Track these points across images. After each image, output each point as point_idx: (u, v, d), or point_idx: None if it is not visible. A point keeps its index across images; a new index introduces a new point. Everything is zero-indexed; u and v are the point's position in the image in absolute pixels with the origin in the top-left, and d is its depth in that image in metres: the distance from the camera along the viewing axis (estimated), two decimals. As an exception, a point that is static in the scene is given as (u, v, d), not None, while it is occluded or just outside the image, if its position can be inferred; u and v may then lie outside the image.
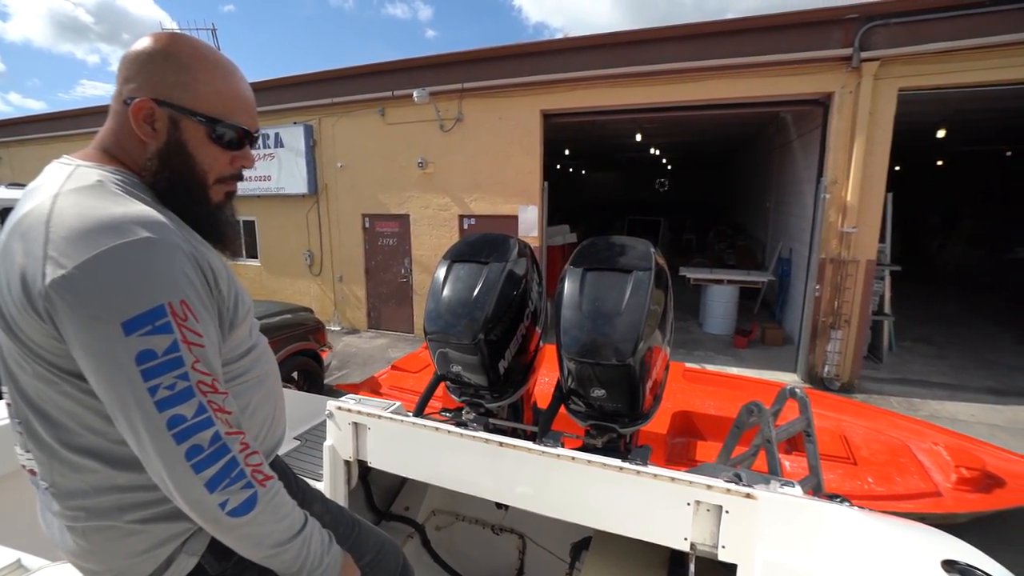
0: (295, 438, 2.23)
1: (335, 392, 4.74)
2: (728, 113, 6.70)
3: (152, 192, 0.86)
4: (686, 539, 1.31)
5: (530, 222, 7.11)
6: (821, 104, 5.79)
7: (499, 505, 2.11)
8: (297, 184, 8.92)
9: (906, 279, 7.06)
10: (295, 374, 5.15)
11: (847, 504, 1.24)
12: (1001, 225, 13.77)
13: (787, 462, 3.28)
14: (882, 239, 5.64)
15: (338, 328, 9.08)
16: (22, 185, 8.74)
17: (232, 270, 0.93)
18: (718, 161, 18.75)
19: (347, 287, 9.10)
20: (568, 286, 1.84)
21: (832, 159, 5.51)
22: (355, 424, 1.75)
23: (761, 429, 2.04)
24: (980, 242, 13.81)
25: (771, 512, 1.21)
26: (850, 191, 5.35)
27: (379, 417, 1.68)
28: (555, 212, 9.05)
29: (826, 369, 5.74)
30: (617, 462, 1.37)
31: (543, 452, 1.45)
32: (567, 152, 14.73)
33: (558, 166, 17.89)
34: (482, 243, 2.20)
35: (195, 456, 0.70)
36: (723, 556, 1.26)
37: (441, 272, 2.11)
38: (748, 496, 1.22)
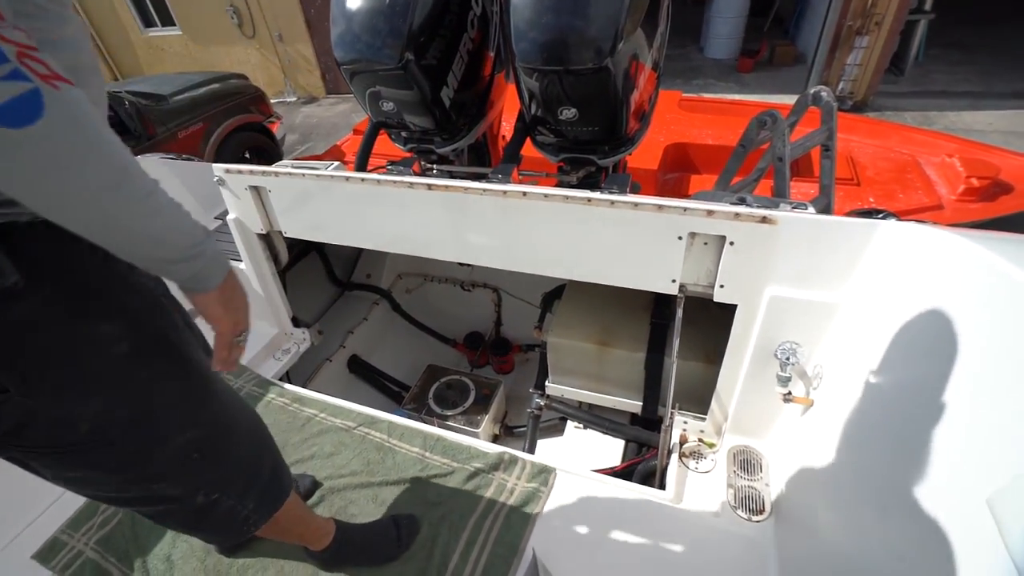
0: (216, 218, 1.89)
1: (294, 167, 4.29)
2: None
3: None
4: (674, 280, 1.04)
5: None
6: None
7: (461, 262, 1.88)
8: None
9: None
10: (246, 154, 4.60)
11: (893, 219, 0.92)
12: None
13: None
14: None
15: (294, 99, 8.06)
16: None
17: None
18: None
19: (290, 47, 7.73)
20: (519, -40, 1.25)
21: None
22: (255, 188, 1.36)
23: (773, 144, 1.66)
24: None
25: (793, 239, 0.90)
26: None
27: (276, 175, 1.28)
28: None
29: (840, 86, 5.10)
30: (584, 193, 1.02)
31: (486, 191, 1.09)
32: None
33: None
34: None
35: None
36: (720, 296, 1.01)
37: (344, -29, 1.46)
38: (764, 220, 0.89)
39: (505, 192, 1.06)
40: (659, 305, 1.42)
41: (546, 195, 1.03)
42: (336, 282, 2.15)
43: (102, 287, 0.66)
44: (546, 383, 1.51)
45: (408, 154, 1.75)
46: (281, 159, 5.15)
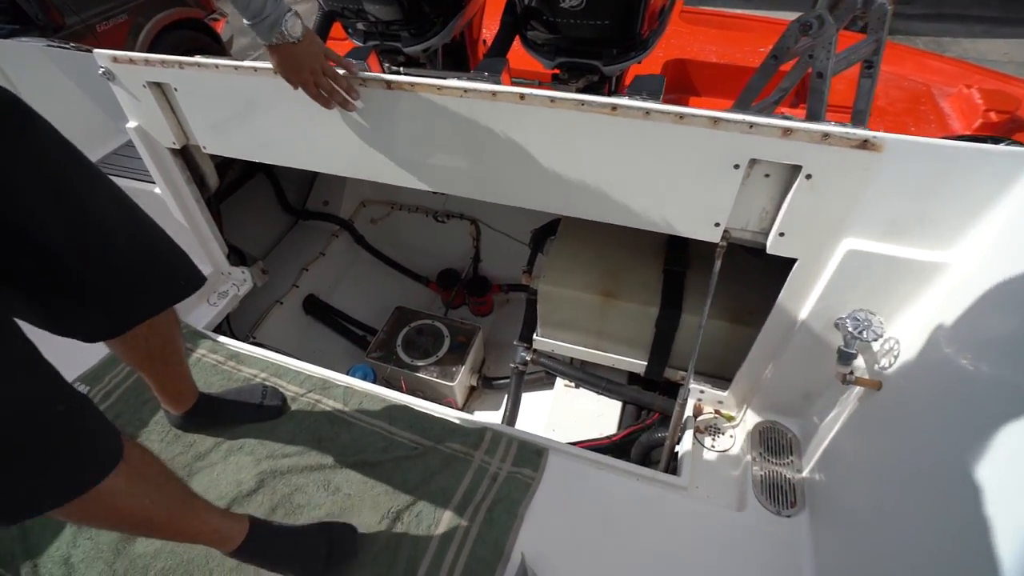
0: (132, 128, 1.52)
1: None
2: None
3: None
4: (718, 224, 0.79)
5: None
6: None
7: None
8: None
9: None
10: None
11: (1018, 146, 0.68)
12: None
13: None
14: None
15: (245, -5, 7.09)
16: None
17: None
18: None
19: (238, -70, 6.68)
20: None
21: None
22: (157, 87, 1.02)
23: (815, 56, 1.37)
24: None
25: (901, 175, 0.65)
26: None
27: (182, 66, 0.94)
28: None
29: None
30: (605, 100, 0.73)
31: (468, 91, 0.79)
32: None
33: None
34: None
35: None
36: (776, 247, 0.77)
37: None
38: (866, 145, 0.63)
39: (495, 94, 0.77)
40: (673, 249, 1.19)
41: (552, 99, 0.74)
42: (287, 210, 1.83)
43: None
44: (534, 336, 1.29)
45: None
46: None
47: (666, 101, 2.56)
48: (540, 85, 1.28)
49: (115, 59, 0.99)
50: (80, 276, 0.75)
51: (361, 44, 1.41)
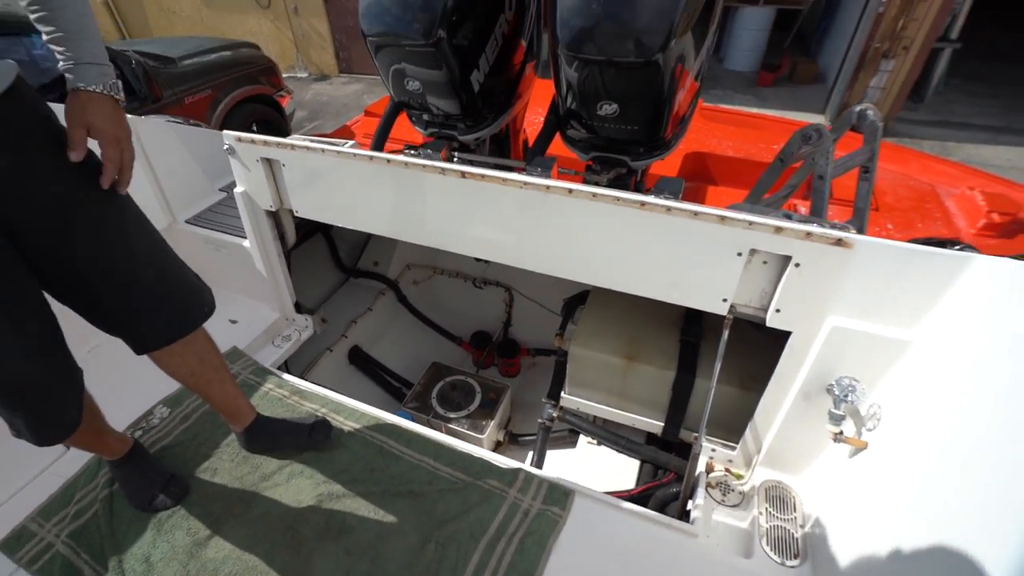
0: (221, 190, 1.78)
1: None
2: None
3: None
4: (725, 300, 0.95)
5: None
6: None
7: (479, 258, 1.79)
8: None
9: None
10: (253, 126, 4.46)
11: (970, 250, 0.84)
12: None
13: (802, 208, 3.00)
14: (988, -74, 4.27)
15: (305, 75, 7.89)
16: None
17: None
18: None
19: (305, 21, 7.56)
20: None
21: None
22: (267, 161, 1.26)
23: (815, 161, 1.58)
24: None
25: (868, 267, 0.81)
26: None
27: (293, 148, 1.18)
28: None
29: (861, 109, 5.03)
30: (636, 196, 0.93)
31: (526, 184, 0.99)
32: None
33: None
34: None
35: None
36: (774, 321, 0.93)
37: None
38: (840, 243, 0.80)
39: (548, 187, 0.97)
40: (689, 321, 1.34)
41: (594, 194, 0.94)
42: (341, 268, 2.05)
43: None
44: (561, 394, 1.43)
45: (428, 139, 1.66)
46: (289, 135, 5.02)
47: (686, 189, 2.82)
48: (576, 175, 1.50)
49: (239, 139, 1.24)
50: (108, 302, 0.92)
51: (423, 131, 1.66)
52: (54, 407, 0.92)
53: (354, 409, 1.28)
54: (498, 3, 1.43)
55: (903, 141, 4.99)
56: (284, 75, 6.13)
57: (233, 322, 1.55)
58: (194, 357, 1.06)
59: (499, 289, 2.00)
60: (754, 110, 5.55)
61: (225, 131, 1.27)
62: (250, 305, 1.58)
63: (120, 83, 0.89)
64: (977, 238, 3.01)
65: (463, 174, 1.03)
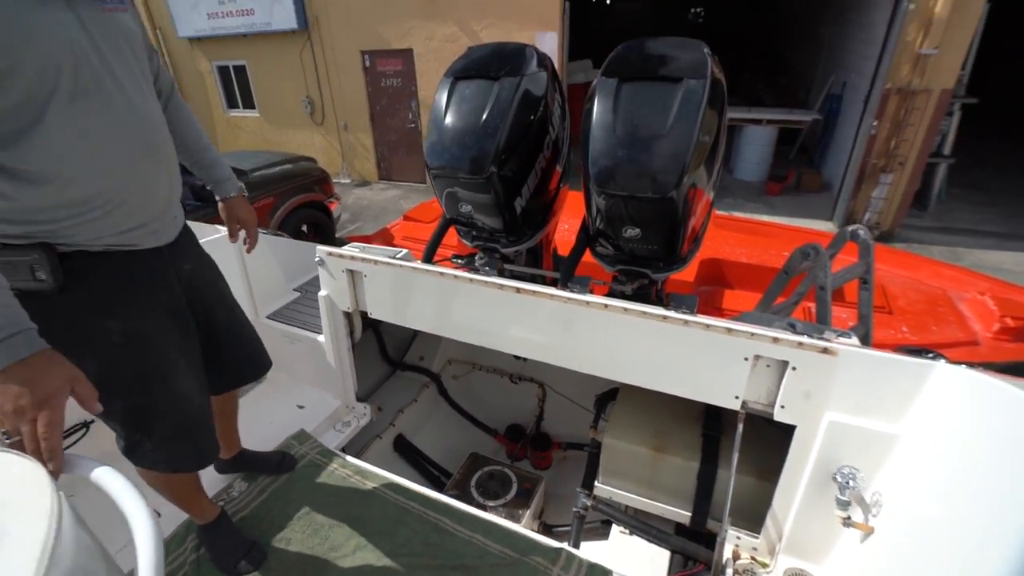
0: (295, 290, 2.06)
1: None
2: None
3: None
4: (737, 397, 1.12)
5: (548, 52, 6.23)
6: None
7: (518, 356, 1.99)
8: (285, 18, 7.85)
9: (976, 114, 6.20)
10: (304, 227, 4.96)
11: (943, 360, 1.01)
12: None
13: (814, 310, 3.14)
14: (965, 63, 4.80)
15: (348, 181, 8.71)
16: None
17: (37, 27, 0.85)
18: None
19: (353, 136, 8.51)
20: (599, 104, 1.47)
21: (924, -43, 4.46)
22: (350, 272, 1.53)
23: (816, 274, 1.79)
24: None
25: (852, 371, 0.99)
26: (941, 1, 4.40)
27: (376, 263, 1.45)
28: (574, 47, 7.95)
29: (866, 216, 5.35)
30: (659, 311, 1.14)
31: (569, 299, 1.22)
32: (591, -27, 12.64)
33: (580, -8, 15.49)
34: (491, 55, 1.78)
35: None
36: (780, 416, 1.09)
37: (443, 93, 1.73)
38: (825, 351, 0.99)
39: (588, 303, 1.19)
40: (710, 416, 1.49)
41: (625, 309, 1.16)
42: (388, 361, 2.26)
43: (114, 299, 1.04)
44: (595, 483, 1.55)
45: (473, 249, 1.93)
46: (335, 236, 5.51)
47: (702, 293, 3.06)
48: (603, 284, 1.73)
49: (329, 254, 1.52)
50: (228, 353, 1.30)
51: (469, 243, 1.93)
52: (211, 434, 1.24)
53: (409, 488, 1.43)
54: (538, 144, 1.75)
55: (912, 247, 5.22)
56: (331, 182, 6.83)
57: (300, 407, 1.75)
58: (230, 404, 1.48)
59: (533, 385, 2.18)
60: (765, 217, 5.90)
61: (318, 246, 1.56)
62: (315, 393, 1.79)
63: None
64: (994, 341, 3.10)
65: (518, 289, 1.26)
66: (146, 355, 1.08)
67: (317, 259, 1.55)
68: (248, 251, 1.44)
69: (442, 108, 1.70)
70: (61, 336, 0.85)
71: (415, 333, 2.28)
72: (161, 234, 1.11)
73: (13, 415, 0.74)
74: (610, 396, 1.65)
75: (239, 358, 1.35)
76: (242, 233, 1.44)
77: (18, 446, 0.73)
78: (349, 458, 1.55)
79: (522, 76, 1.68)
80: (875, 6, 5.88)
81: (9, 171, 0.87)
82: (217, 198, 1.38)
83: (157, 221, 1.08)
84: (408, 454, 2.02)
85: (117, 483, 0.63)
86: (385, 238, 4.49)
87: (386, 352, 2.27)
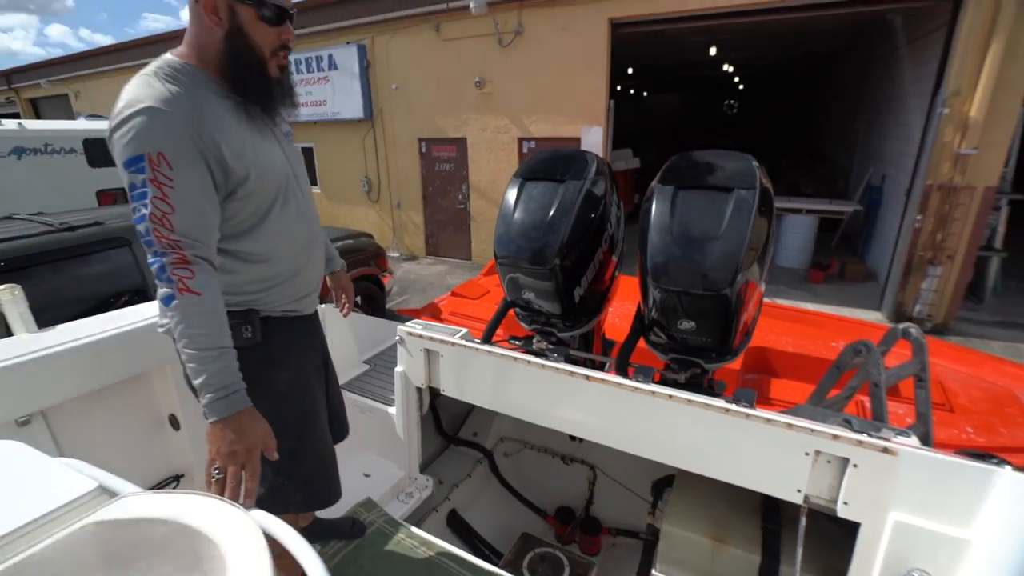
0: (364, 362, 2.22)
1: (397, 317, 4.80)
2: (822, 15, 5.81)
3: (211, 73, 1.17)
4: (799, 491, 1.17)
5: (594, 144, 6.68)
6: (949, -2, 4.88)
7: (573, 437, 2.05)
8: (352, 108, 8.76)
9: None
10: (358, 299, 5.26)
11: (1008, 467, 1.04)
12: None
13: (868, 405, 3.05)
14: (1007, 162, 4.88)
15: (397, 255, 9.20)
16: (102, 117, 8.93)
17: (270, 159, 1.23)
18: (796, 79, 16.86)
19: (405, 213, 9.10)
20: (656, 207, 1.63)
21: (957, 66, 4.70)
22: (427, 351, 1.68)
23: (869, 371, 1.82)
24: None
25: (912, 471, 1.04)
26: (976, 104, 4.58)
27: (453, 344, 1.59)
28: (614, 136, 8.49)
29: (917, 308, 5.26)
30: (721, 403, 1.22)
31: (636, 388, 1.32)
32: (630, 71, 13.62)
33: (618, 87, 16.65)
34: (557, 160, 2.00)
35: (150, 258, 1.05)
36: (844, 512, 1.12)
37: (512, 192, 1.94)
38: (886, 451, 1.04)
39: (653, 392, 1.29)
40: (768, 509, 1.50)
41: (689, 400, 1.24)
42: (443, 435, 2.34)
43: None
44: (652, 572, 1.55)
45: (530, 332, 2.06)
46: (386, 308, 5.76)
47: (747, 381, 3.09)
48: (656, 371, 1.82)
49: (409, 333, 1.68)
50: (334, 417, 1.52)
51: (526, 326, 2.07)
52: (337, 476, 1.44)
53: (471, 562, 1.47)
54: (597, 239, 1.91)
55: (970, 341, 5.05)
56: (382, 256, 7.24)
57: (367, 476, 1.84)
58: None
59: (584, 467, 2.21)
60: (809, 305, 5.87)
61: (399, 325, 1.72)
62: (380, 462, 1.89)
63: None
64: (1077, 447, 2.92)
65: (588, 376, 1.37)
66: (302, 403, 1.33)
67: (398, 338, 1.71)
68: (345, 315, 1.72)
69: (511, 205, 1.90)
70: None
71: (470, 409, 2.38)
72: (314, 303, 1.43)
73: (228, 456, 1.02)
74: (667, 482, 1.68)
75: (337, 419, 1.54)
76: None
77: (220, 482, 1.01)
78: (414, 529, 1.62)
79: (585, 179, 1.88)
80: (909, 107, 6.12)
81: (237, 254, 1.21)
82: (325, 273, 1.64)
83: (314, 292, 1.41)
84: (461, 530, 2.05)
85: (275, 524, 0.74)
86: (433, 312, 4.70)
87: (441, 426, 2.36)
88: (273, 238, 1.25)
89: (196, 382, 1.05)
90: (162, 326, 1.19)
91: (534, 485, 2.31)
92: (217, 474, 1.01)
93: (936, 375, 3.47)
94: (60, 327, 1.63)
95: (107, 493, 0.76)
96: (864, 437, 1.07)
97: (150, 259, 1.05)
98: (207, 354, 1.04)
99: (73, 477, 0.78)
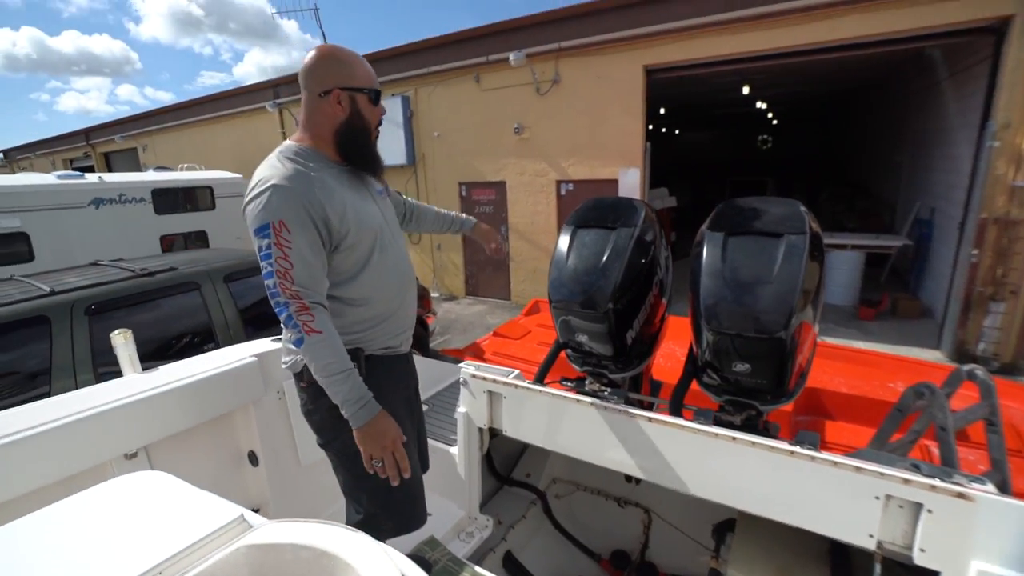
0: (423, 402, 2.31)
1: (442, 357, 4.90)
2: (857, 55, 5.86)
3: (324, 150, 1.43)
4: (871, 536, 1.16)
5: (631, 186, 6.81)
6: (992, 32, 4.86)
7: (629, 478, 2.05)
8: (396, 155, 9.21)
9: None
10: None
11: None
12: None
13: (934, 450, 2.92)
14: (1066, 194, 4.71)
15: (437, 295, 9.42)
16: (167, 168, 9.75)
17: (367, 215, 1.44)
18: (832, 113, 16.72)
19: (445, 255, 9.36)
20: (708, 252, 1.69)
21: (1005, 98, 4.63)
22: (490, 392, 1.75)
23: (935, 415, 1.78)
24: None
25: (993, 519, 1.03)
26: (1027, 137, 4.49)
27: (516, 387, 1.66)
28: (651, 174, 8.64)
29: (980, 347, 5.01)
30: (786, 445, 1.24)
31: (699, 430, 1.35)
32: (662, 111, 13.87)
33: (651, 126, 16.91)
34: (608, 208, 2.10)
35: (276, 307, 1.28)
36: (921, 560, 1.10)
37: (565, 239, 2.04)
38: (961, 496, 1.04)
39: (716, 435, 1.32)
40: (836, 555, 1.47)
41: (753, 442, 1.27)
42: (496, 475, 2.38)
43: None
44: (716, 620, 1.53)
45: (581, 373, 2.11)
46: (429, 347, 5.87)
47: (800, 423, 3.02)
48: (711, 413, 1.83)
49: (473, 376, 1.77)
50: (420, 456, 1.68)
51: (578, 368, 2.12)
52: (424, 501, 1.62)
53: None
54: (648, 283, 1.97)
55: (1041, 381, 4.76)
56: (427, 297, 7.44)
57: (429, 514, 1.90)
58: None
59: (638, 510, 2.20)
60: (861, 344, 5.68)
61: (463, 367, 1.81)
62: (441, 501, 1.95)
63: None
64: None
65: (650, 419, 1.42)
66: None
67: (462, 380, 1.80)
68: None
69: (564, 251, 1.99)
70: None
71: (523, 449, 2.42)
72: (408, 341, 1.60)
73: (382, 449, 1.34)
74: (728, 526, 1.67)
75: (421, 452, 1.70)
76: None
77: (382, 468, 1.35)
78: (478, 568, 1.65)
79: (635, 226, 1.96)
80: (956, 140, 6.01)
81: (343, 299, 1.42)
82: (466, 232, 2.06)
83: (408, 331, 1.60)
84: (516, 572, 2.06)
85: (392, 552, 0.81)
86: (476, 352, 4.78)
87: (494, 467, 2.41)
88: (371, 283, 1.45)
89: (337, 401, 1.31)
90: (285, 362, 1.48)
91: (587, 528, 2.30)
92: (376, 464, 1.35)
93: (1008, 418, 3.29)
94: (161, 368, 1.80)
95: (246, 521, 0.85)
96: (937, 482, 1.07)
97: (277, 309, 1.28)
98: (338, 377, 1.29)
99: (219, 504, 0.88)
